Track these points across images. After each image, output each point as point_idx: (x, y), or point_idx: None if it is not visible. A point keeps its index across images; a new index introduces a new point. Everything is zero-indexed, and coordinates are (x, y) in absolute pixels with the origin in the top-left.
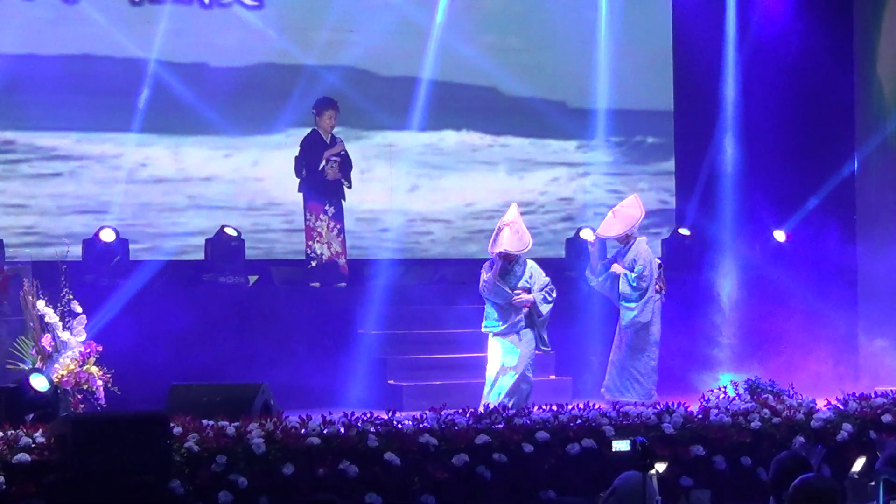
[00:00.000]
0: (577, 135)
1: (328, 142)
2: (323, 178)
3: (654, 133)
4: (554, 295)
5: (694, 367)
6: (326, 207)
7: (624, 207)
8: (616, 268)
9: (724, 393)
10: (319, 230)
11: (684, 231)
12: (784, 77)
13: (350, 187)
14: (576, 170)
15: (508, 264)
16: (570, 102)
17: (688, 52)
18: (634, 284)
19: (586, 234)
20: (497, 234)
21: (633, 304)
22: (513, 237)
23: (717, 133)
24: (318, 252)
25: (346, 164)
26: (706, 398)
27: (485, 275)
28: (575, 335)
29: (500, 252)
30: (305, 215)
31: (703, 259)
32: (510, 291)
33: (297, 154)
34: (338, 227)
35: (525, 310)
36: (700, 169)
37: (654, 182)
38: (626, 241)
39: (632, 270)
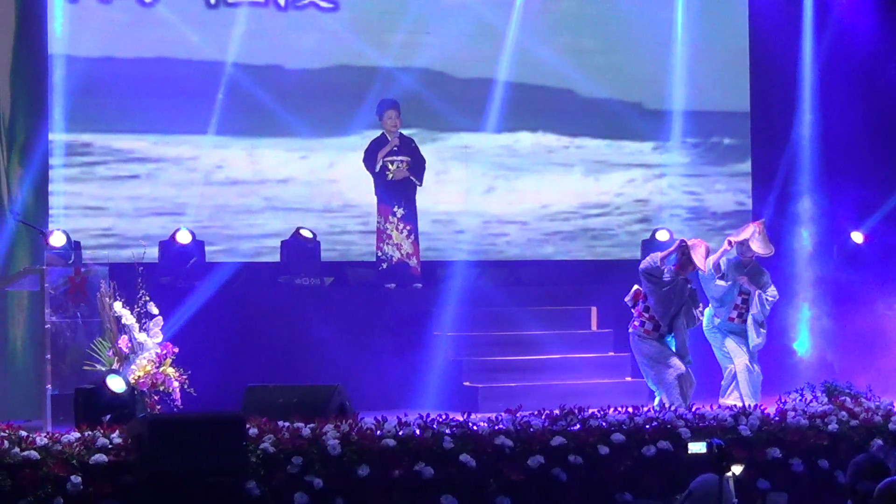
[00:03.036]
0: (653, 136)
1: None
2: (387, 179)
3: (731, 134)
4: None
5: (771, 369)
6: (395, 209)
7: (766, 234)
8: (745, 281)
9: (802, 395)
10: (389, 232)
11: None
12: (862, 76)
13: (420, 185)
14: (652, 171)
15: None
16: (647, 104)
17: (765, 52)
18: (768, 308)
19: (662, 235)
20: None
21: (760, 329)
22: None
23: (794, 134)
24: (388, 254)
25: (416, 162)
26: (783, 400)
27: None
28: None
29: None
30: (377, 217)
31: (780, 260)
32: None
33: None
34: (408, 227)
35: None
36: (777, 170)
37: (731, 183)
38: (751, 259)
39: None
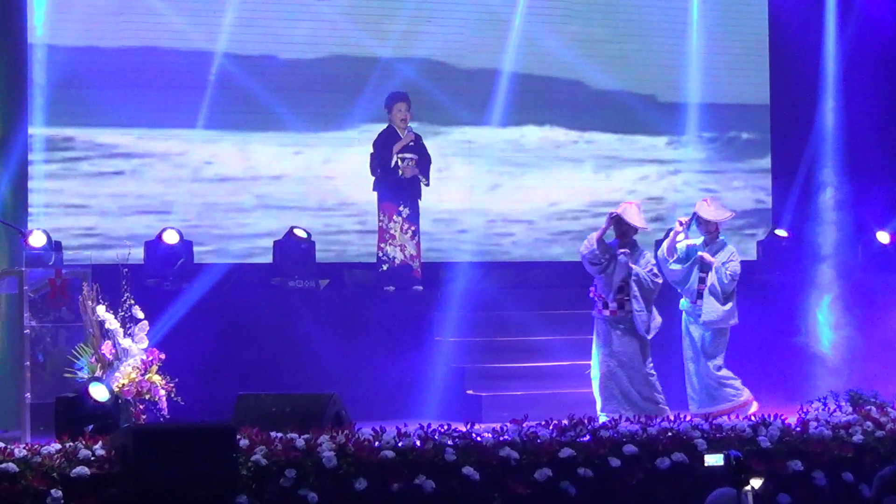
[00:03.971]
0: (668, 130)
1: (403, 137)
2: (397, 176)
3: (750, 128)
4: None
5: (792, 376)
6: (401, 208)
7: (718, 201)
8: (706, 255)
9: (825, 404)
10: (392, 232)
11: (781, 232)
12: (886, 69)
13: (427, 184)
14: (666, 167)
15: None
16: (660, 96)
17: (785, 41)
18: (727, 281)
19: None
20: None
21: (725, 304)
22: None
23: (817, 128)
24: (391, 255)
25: (423, 159)
26: (805, 410)
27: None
28: None
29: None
30: (379, 216)
31: (800, 262)
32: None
33: (371, 152)
34: (412, 228)
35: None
36: (798, 166)
37: (750, 180)
38: (716, 235)
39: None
